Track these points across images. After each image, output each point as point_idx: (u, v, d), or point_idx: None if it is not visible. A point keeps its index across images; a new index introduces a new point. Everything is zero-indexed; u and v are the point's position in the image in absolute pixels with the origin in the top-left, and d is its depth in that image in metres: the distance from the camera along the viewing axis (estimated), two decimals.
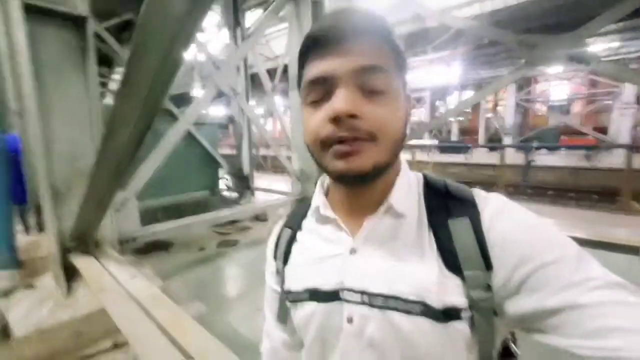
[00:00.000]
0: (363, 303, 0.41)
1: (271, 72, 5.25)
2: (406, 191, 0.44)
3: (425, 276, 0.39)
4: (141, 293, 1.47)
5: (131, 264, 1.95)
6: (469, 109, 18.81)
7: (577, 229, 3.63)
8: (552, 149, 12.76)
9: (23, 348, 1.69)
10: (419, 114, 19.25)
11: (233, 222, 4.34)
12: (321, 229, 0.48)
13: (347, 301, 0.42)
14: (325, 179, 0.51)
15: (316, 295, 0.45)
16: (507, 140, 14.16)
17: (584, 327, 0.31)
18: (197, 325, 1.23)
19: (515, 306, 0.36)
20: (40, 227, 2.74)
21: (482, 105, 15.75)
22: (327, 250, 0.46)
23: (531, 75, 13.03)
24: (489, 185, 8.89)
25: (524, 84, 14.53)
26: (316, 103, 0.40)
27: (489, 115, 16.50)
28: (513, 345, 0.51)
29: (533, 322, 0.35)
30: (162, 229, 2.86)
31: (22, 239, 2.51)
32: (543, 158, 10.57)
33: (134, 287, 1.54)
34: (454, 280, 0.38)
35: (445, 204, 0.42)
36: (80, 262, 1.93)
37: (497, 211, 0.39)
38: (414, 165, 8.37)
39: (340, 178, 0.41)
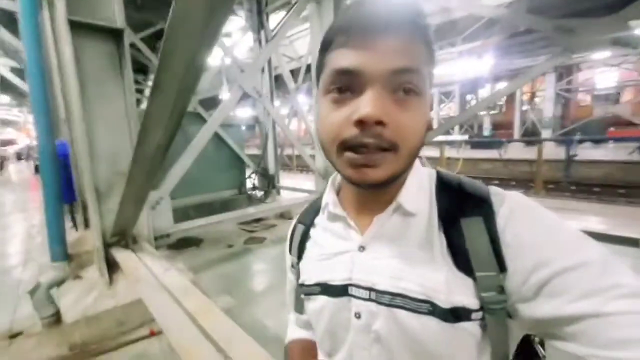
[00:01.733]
0: (370, 300, 0.41)
1: (295, 72, 5.32)
2: (417, 189, 0.43)
3: (433, 275, 0.38)
4: (173, 285, 1.57)
5: (165, 258, 2.09)
6: (502, 101, 17.85)
7: (628, 228, 3.33)
8: (598, 141, 11.74)
9: (72, 332, 1.87)
10: (448, 109, 18.56)
11: (259, 219, 4.46)
12: (332, 226, 0.49)
13: (356, 297, 0.43)
14: (337, 176, 0.51)
15: (326, 289, 0.46)
16: (545, 133, 13.24)
17: (607, 337, 0.29)
18: (224, 316, 1.30)
19: (532, 310, 0.34)
20: (86, 224, 2.99)
21: (517, 97, 14.86)
22: (337, 246, 0.47)
23: (572, 62, 12.05)
24: (525, 182, 8.37)
25: (565, 73, 13.49)
26: (338, 98, 0.37)
27: (525, 107, 15.51)
28: (540, 348, 0.49)
29: (551, 328, 0.34)
30: (193, 226, 3.02)
31: (70, 235, 2.76)
32: (587, 152, 9.76)
33: (167, 279, 1.64)
34: (464, 281, 0.37)
35: (458, 202, 0.41)
36: (120, 255, 2.10)
37: (513, 211, 0.37)
38: (442, 162, 8.08)
39: (352, 184, 0.40)
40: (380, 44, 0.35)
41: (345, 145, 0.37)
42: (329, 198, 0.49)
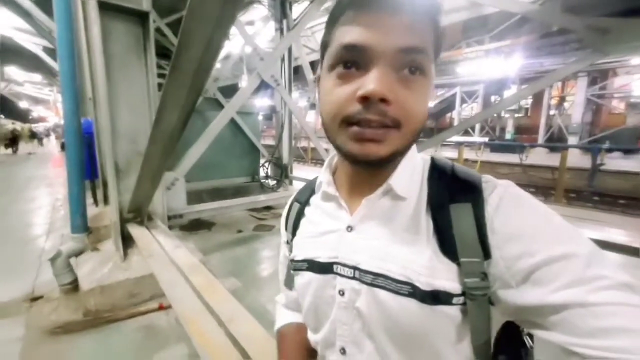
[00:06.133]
0: (354, 278, 0.42)
1: (315, 64, 5.30)
2: (409, 173, 0.43)
3: (416, 258, 0.38)
4: (183, 261, 1.64)
5: (177, 238, 2.16)
6: (528, 104, 17.16)
7: None
8: (628, 151, 11.13)
9: (88, 299, 1.98)
10: (470, 109, 18.02)
11: (270, 208, 4.53)
12: (324, 205, 0.50)
13: (340, 275, 0.44)
14: (335, 157, 0.51)
15: (313, 266, 0.47)
16: (572, 140, 12.66)
17: (589, 326, 0.29)
18: (229, 294, 1.34)
19: (516, 298, 0.34)
20: (106, 201, 3.13)
21: (544, 100, 14.24)
22: (327, 225, 0.48)
23: (608, 67, 11.37)
24: (545, 189, 8.08)
25: (599, 77, 12.77)
26: (344, 73, 0.37)
27: (553, 112, 14.85)
28: (528, 339, 0.49)
29: (534, 317, 0.34)
30: (205, 209, 3.11)
31: (91, 210, 2.90)
32: (616, 162, 9.29)
33: (177, 255, 1.71)
34: (448, 266, 0.37)
35: (449, 188, 0.41)
36: (135, 231, 2.19)
37: (503, 199, 0.37)
38: (459, 163, 7.85)
39: (354, 160, 0.40)
40: (388, 21, 0.35)
41: (349, 121, 0.37)
42: (324, 177, 0.50)
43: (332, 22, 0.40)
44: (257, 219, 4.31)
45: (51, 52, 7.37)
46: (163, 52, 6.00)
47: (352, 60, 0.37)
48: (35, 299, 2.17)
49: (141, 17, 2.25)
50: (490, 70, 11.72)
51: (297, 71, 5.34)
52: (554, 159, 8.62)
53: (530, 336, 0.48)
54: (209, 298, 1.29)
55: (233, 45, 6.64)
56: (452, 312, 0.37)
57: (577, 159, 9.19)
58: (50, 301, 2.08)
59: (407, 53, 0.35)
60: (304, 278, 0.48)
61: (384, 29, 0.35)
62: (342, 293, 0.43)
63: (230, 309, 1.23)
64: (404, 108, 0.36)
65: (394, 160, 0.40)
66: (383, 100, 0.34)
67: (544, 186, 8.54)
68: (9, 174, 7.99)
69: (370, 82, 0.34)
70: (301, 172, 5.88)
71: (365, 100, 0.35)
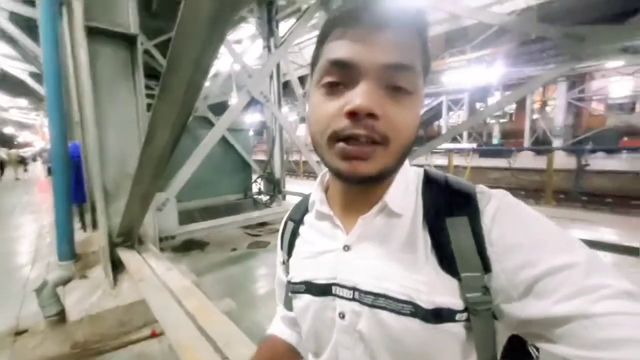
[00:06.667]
0: (354, 299, 0.41)
1: (303, 79, 5.39)
2: (403, 189, 0.42)
3: (416, 276, 0.37)
4: (175, 285, 1.58)
5: (169, 260, 2.10)
6: (512, 110, 17.67)
7: None
8: (611, 151, 11.47)
9: (76, 330, 1.89)
10: (457, 117, 18.44)
11: (264, 224, 4.47)
12: (319, 224, 0.48)
13: (339, 297, 0.42)
14: (326, 175, 0.50)
15: (311, 288, 0.45)
16: (556, 143, 13.02)
17: (594, 337, 0.29)
18: (224, 317, 1.30)
19: (519, 311, 0.34)
20: (94, 225, 3.05)
21: (527, 105, 14.70)
22: (323, 245, 0.46)
23: (585, 71, 11.88)
24: (535, 192, 8.22)
25: (578, 81, 13.30)
26: (331, 89, 0.37)
27: (536, 116, 15.31)
28: (534, 349, 0.48)
29: (538, 329, 0.33)
30: (198, 228, 3.05)
31: (79, 236, 2.82)
32: (599, 162, 9.53)
33: (169, 278, 1.66)
34: (448, 282, 0.37)
35: (444, 202, 0.40)
36: (125, 255, 2.12)
37: (499, 210, 0.37)
38: (450, 170, 7.99)
39: (342, 178, 0.39)
40: (376, 37, 0.35)
41: (337, 137, 0.36)
42: (317, 196, 0.49)
43: (322, 39, 0.40)
44: (251, 236, 4.25)
45: (37, 77, 7.32)
46: (151, 73, 6.02)
47: (340, 77, 0.37)
48: (19, 332, 2.06)
49: (129, 41, 2.26)
50: (473, 78, 12.10)
51: (286, 86, 5.40)
52: (540, 162, 8.81)
53: (536, 347, 0.47)
54: (204, 322, 1.24)
55: (222, 63, 6.71)
56: (456, 329, 0.36)
57: (562, 160, 9.39)
58: (36, 334, 1.97)
59: (394, 70, 0.35)
60: (303, 301, 0.47)
61: (371, 45, 0.35)
62: (342, 316, 0.42)
63: (226, 333, 1.19)
64: (392, 123, 0.35)
65: (383, 178, 0.39)
66: (371, 115, 0.34)
67: (533, 188, 8.68)
68: None
69: (358, 96, 0.34)
70: (294, 186, 5.87)
71: (353, 115, 0.34)
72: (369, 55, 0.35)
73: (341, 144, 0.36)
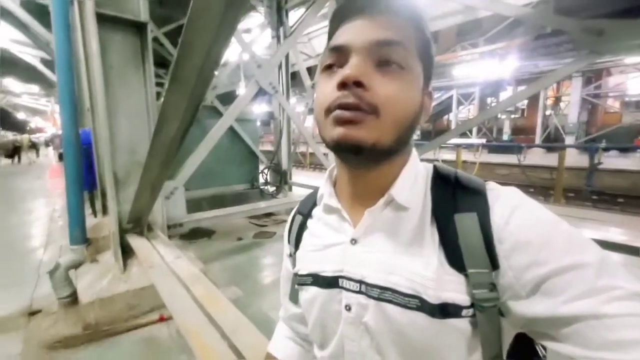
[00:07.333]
0: (360, 292, 0.41)
1: (312, 70, 5.34)
2: (411, 183, 0.42)
3: (423, 271, 0.38)
4: (183, 272, 1.62)
5: (177, 247, 2.14)
6: (524, 105, 17.28)
7: None
8: (625, 150, 11.17)
9: (88, 312, 1.95)
10: (467, 112, 18.13)
11: (270, 214, 4.51)
12: (327, 218, 0.49)
13: (346, 289, 0.43)
14: (335, 168, 0.51)
15: (317, 280, 0.46)
16: (569, 140, 12.74)
17: (603, 338, 0.29)
18: (230, 305, 1.33)
19: (526, 309, 0.34)
20: (105, 211, 3.11)
21: (540, 101, 14.35)
22: (331, 238, 0.47)
23: (602, 67, 11.49)
24: (544, 189, 8.09)
25: (594, 77, 12.90)
26: (329, 71, 0.41)
27: (549, 112, 14.95)
28: (541, 348, 0.48)
29: (545, 328, 0.33)
30: (205, 217, 3.09)
31: (89, 221, 2.88)
32: (613, 161, 9.32)
33: (178, 266, 1.69)
34: (455, 277, 0.37)
35: (453, 197, 0.40)
36: (135, 242, 2.17)
37: (509, 207, 0.37)
38: (458, 165, 7.90)
39: (337, 147, 0.39)
40: (368, 23, 0.39)
41: (330, 109, 0.39)
42: (325, 189, 0.49)
43: (329, 37, 0.44)
44: (257, 226, 4.29)
45: (49, 64, 7.39)
46: (161, 62, 6.03)
47: (337, 60, 0.40)
48: (33, 313, 2.14)
49: (139, 28, 2.26)
50: (485, 72, 11.81)
51: (294, 77, 5.37)
52: (551, 159, 8.64)
53: (544, 346, 0.47)
54: (211, 309, 1.27)
55: (230, 52, 6.67)
56: (461, 325, 0.37)
57: (574, 158, 9.21)
58: (49, 315, 2.05)
59: (382, 45, 0.37)
60: (309, 293, 0.47)
61: (362, 28, 0.39)
62: (348, 308, 0.42)
63: (232, 320, 1.21)
64: (381, 94, 0.37)
65: (381, 156, 0.39)
66: (358, 84, 0.36)
67: (542, 186, 8.55)
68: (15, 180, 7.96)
69: (347, 68, 0.37)
70: (300, 178, 5.88)
71: (343, 86, 0.37)
72: (359, 36, 0.38)
73: (336, 111, 0.38)
